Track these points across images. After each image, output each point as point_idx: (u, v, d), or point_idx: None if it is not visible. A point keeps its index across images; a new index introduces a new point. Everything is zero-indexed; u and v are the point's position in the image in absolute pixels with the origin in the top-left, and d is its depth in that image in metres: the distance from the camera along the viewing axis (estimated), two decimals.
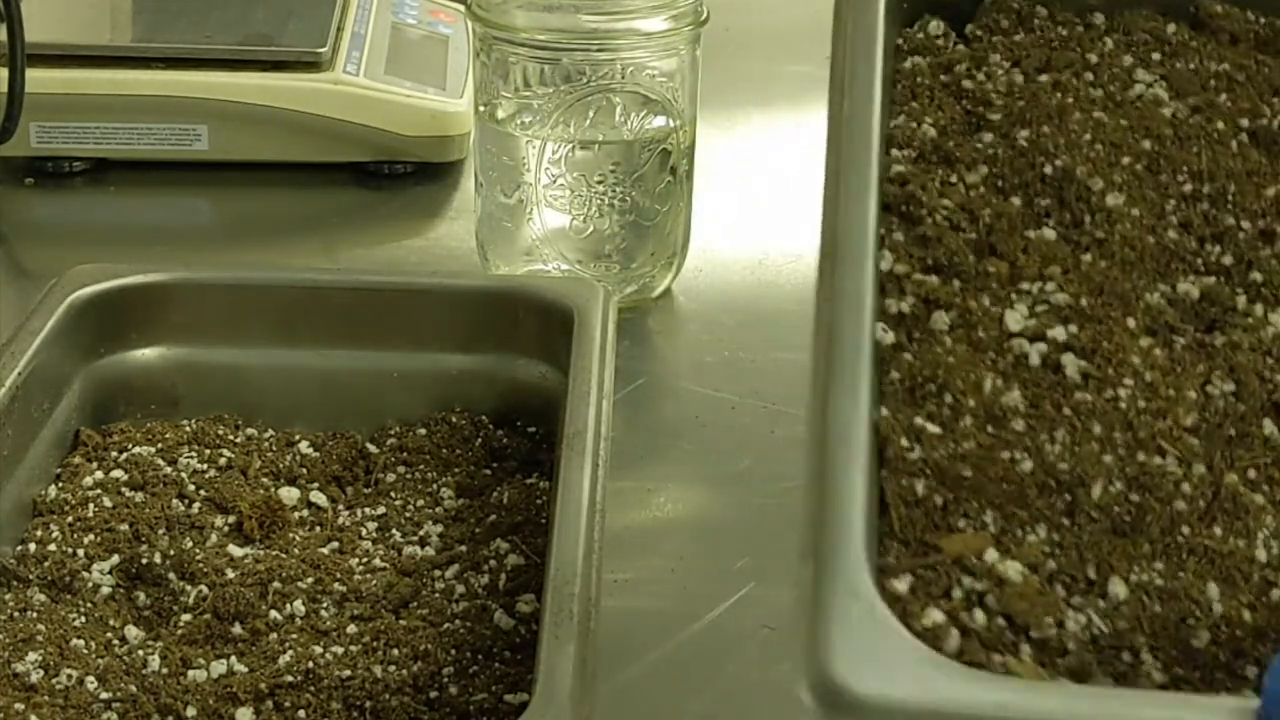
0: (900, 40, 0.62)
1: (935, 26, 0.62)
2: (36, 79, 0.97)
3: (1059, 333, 0.50)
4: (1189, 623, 0.44)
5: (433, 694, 0.57)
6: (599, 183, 0.85)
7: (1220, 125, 0.58)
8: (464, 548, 0.65)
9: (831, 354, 0.47)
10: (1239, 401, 0.49)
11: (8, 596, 0.61)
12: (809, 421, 0.46)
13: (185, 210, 1.03)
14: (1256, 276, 0.53)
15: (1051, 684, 0.42)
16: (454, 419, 0.72)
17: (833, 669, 0.40)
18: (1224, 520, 0.46)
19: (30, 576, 0.62)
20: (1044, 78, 0.60)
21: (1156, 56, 0.61)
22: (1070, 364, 0.49)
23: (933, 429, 0.47)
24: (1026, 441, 0.47)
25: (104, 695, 0.57)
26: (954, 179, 0.55)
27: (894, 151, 0.56)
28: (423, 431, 0.72)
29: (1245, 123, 0.58)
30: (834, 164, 0.53)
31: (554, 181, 0.85)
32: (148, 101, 1.01)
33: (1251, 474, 0.47)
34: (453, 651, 0.58)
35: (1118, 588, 0.44)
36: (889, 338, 0.50)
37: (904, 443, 0.47)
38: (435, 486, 0.69)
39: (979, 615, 0.43)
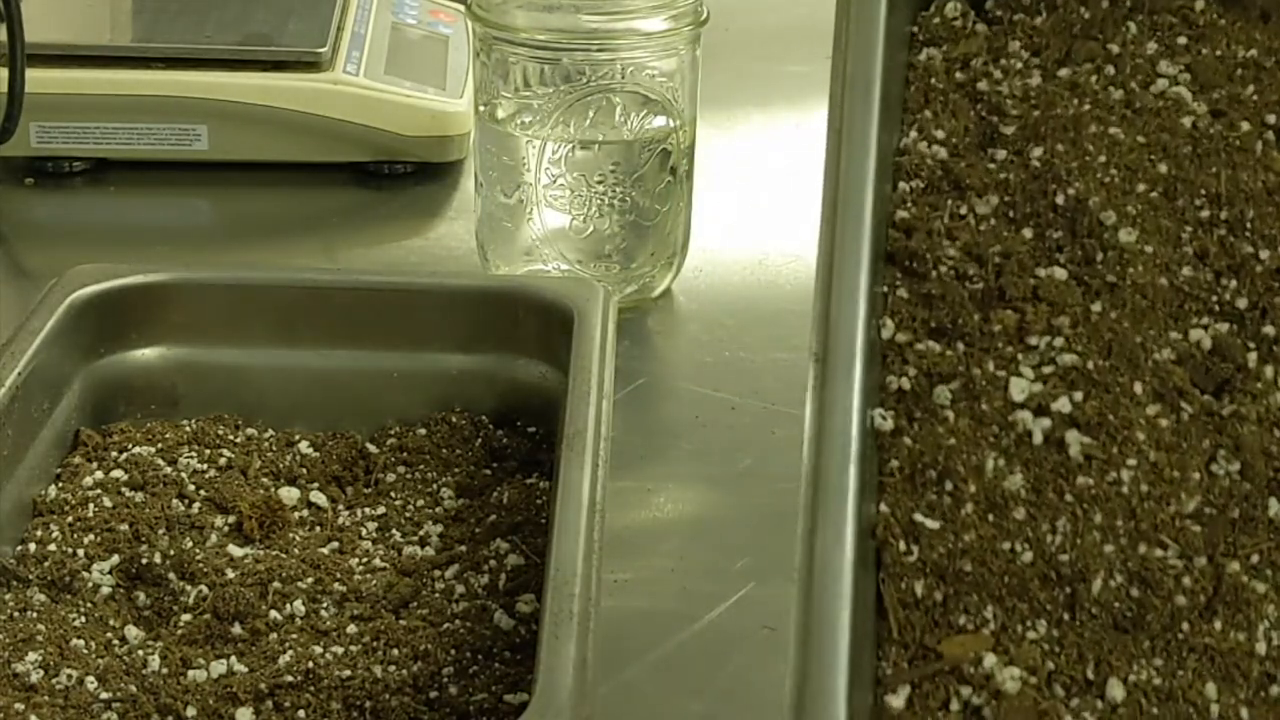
0: (915, 27, 0.60)
1: (953, 8, 0.60)
2: (36, 79, 0.97)
3: (1064, 404, 0.49)
4: None
5: (433, 694, 0.57)
6: (599, 183, 0.85)
7: (1245, 126, 0.56)
8: (464, 548, 0.65)
9: (820, 447, 0.46)
10: (1244, 481, 0.48)
11: (8, 596, 0.61)
12: (800, 520, 0.45)
13: (185, 210, 1.03)
14: (1269, 330, 0.52)
15: None
16: (454, 419, 0.72)
17: None
18: (1225, 613, 0.46)
19: (30, 576, 0.62)
20: (1063, 72, 0.58)
21: (1182, 41, 0.59)
22: (1074, 442, 0.49)
23: (931, 524, 0.47)
24: (1028, 531, 0.47)
25: (104, 695, 0.56)
26: (964, 210, 0.54)
27: (901, 185, 0.55)
28: (423, 431, 0.72)
29: (1272, 119, 0.56)
30: (830, 199, 0.51)
31: (554, 181, 0.85)
32: (148, 101, 1.01)
33: (1254, 560, 0.47)
34: (453, 651, 0.58)
35: (1115, 690, 0.44)
36: (888, 424, 0.49)
37: (902, 546, 0.46)
38: (435, 486, 0.69)
39: None
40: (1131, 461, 0.48)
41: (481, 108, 0.87)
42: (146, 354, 0.73)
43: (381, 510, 0.67)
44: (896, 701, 0.43)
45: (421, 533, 0.66)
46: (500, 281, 0.81)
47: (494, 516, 0.66)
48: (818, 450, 0.46)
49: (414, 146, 1.03)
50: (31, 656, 0.58)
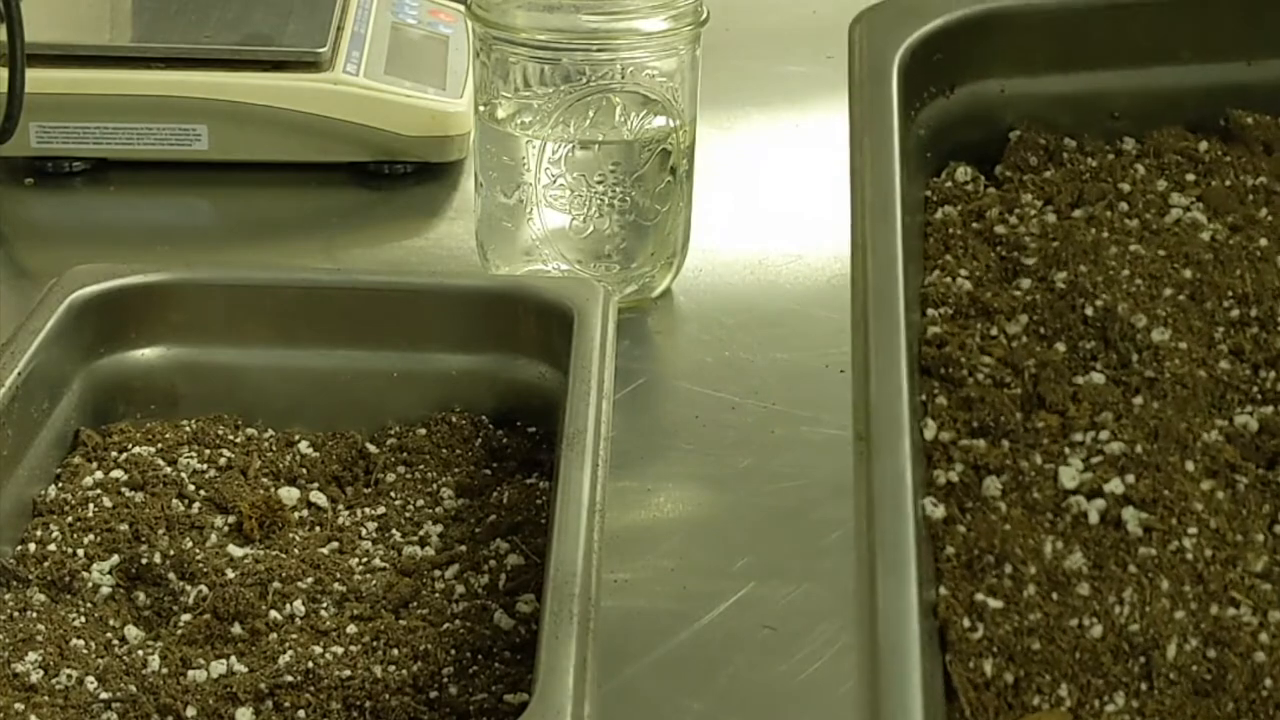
0: (928, 191, 0.61)
1: (963, 173, 0.61)
2: (36, 79, 0.97)
3: (1116, 485, 0.49)
4: None
5: (433, 694, 0.57)
6: (599, 183, 0.85)
7: (1263, 242, 0.56)
8: (464, 548, 0.65)
9: (873, 537, 0.45)
10: None
11: (8, 596, 0.61)
12: (856, 614, 0.44)
13: (185, 210, 1.03)
14: None
15: None
16: (454, 419, 0.72)
17: None
18: None
19: (30, 576, 0.62)
20: (1078, 213, 0.58)
21: (1191, 177, 0.60)
22: (1131, 518, 0.48)
23: (995, 604, 0.46)
24: (1094, 605, 0.46)
25: (104, 695, 0.56)
26: (994, 331, 0.54)
27: (929, 311, 0.55)
28: (423, 431, 0.72)
29: None
30: (861, 331, 0.51)
31: (554, 181, 0.85)
32: (148, 101, 1.01)
33: None
34: (453, 651, 0.58)
35: None
36: (939, 512, 0.48)
37: (966, 623, 0.45)
38: (435, 486, 0.69)
39: None
40: (1192, 530, 0.48)
41: (481, 108, 0.87)
42: (146, 354, 0.73)
43: (381, 510, 0.67)
44: None
45: (421, 533, 0.66)
46: (500, 281, 0.81)
47: (494, 516, 0.66)
48: (871, 529, 0.45)
49: (414, 146, 1.03)
50: (31, 656, 0.58)
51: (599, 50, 0.83)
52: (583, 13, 0.83)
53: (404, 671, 0.57)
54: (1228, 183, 0.59)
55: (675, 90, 0.85)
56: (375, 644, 0.59)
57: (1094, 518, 0.48)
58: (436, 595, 0.62)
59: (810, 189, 1.04)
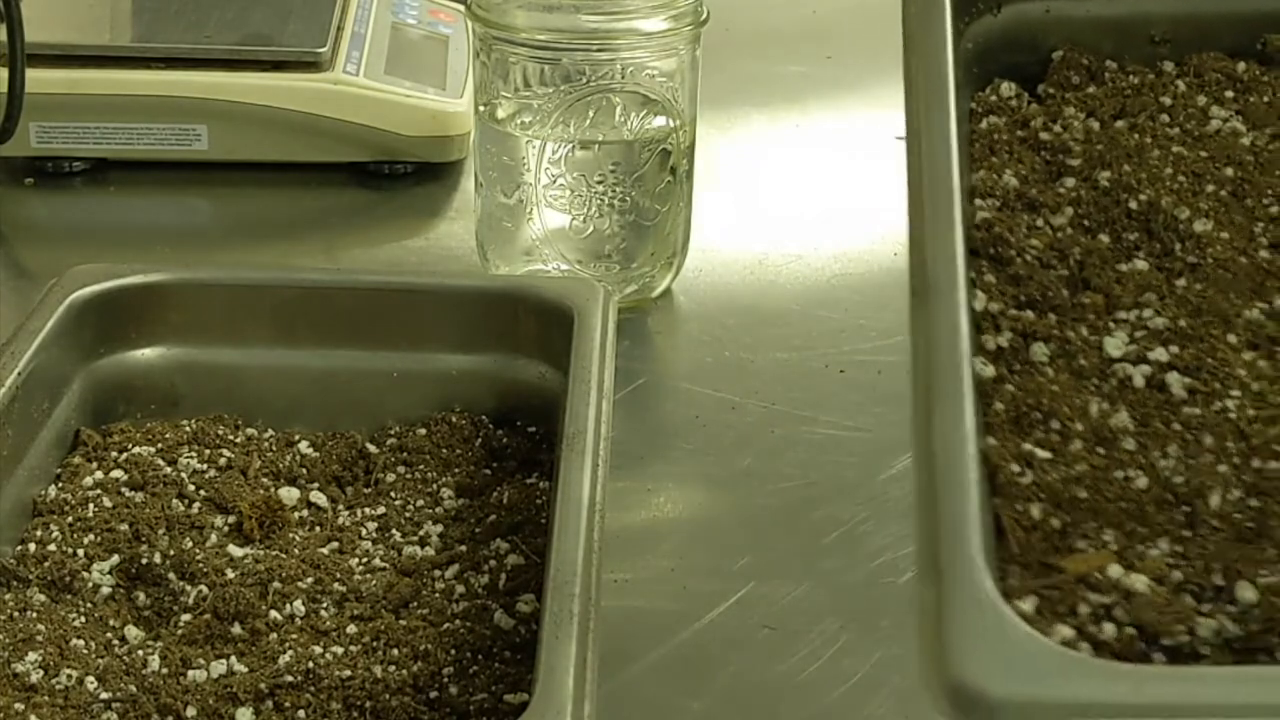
0: (974, 104, 0.62)
1: (1007, 88, 0.63)
2: (36, 79, 0.97)
3: (1160, 354, 0.50)
4: None
5: (433, 694, 0.57)
6: (599, 183, 0.85)
7: None
8: (464, 548, 0.65)
9: (931, 388, 0.46)
10: None
11: (8, 596, 0.61)
12: (914, 457, 0.45)
13: (185, 210, 1.03)
14: None
15: (1206, 669, 0.42)
16: (454, 419, 0.72)
17: (968, 675, 0.39)
18: None
19: (30, 576, 0.62)
20: (1120, 123, 0.60)
21: (1230, 94, 0.61)
22: (1175, 382, 0.49)
23: (1043, 454, 0.47)
24: (1139, 459, 0.47)
25: (104, 695, 0.57)
26: (1040, 223, 0.56)
27: (977, 201, 0.57)
28: (423, 431, 0.72)
29: None
30: (917, 212, 0.52)
31: (554, 181, 0.85)
32: (148, 101, 1.01)
33: None
34: (453, 651, 0.58)
35: (1247, 592, 0.44)
36: (989, 370, 0.50)
37: (1015, 468, 0.46)
38: (435, 486, 0.69)
39: (1108, 628, 0.43)
40: (1235, 392, 0.49)
41: (481, 108, 0.87)
42: (146, 354, 0.73)
43: (381, 510, 0.67)
44: (1025, 607, 0.43)
45: (421, 533, 0.66)
46: (500, 281, 0.81)
47: (494, 516, 0.66)
48: (929, 384, 0.46)
49: (414, 146, 1.03)
50: (31, 656, 0.58)
51: (599, 50, 0.83)
52: (583, 13, 0.83)
53: (404, 671, 0.57)
54: (1265, 99, 0.61)
55: (675, 90, 0.85)
56: (375, 644, 0.59)
57: (1139, 382, 0.49)
58: (436, 595, 0.62)
59: (810, 189, 1.04)
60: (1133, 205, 0.56)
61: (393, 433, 0.72)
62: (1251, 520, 0.45)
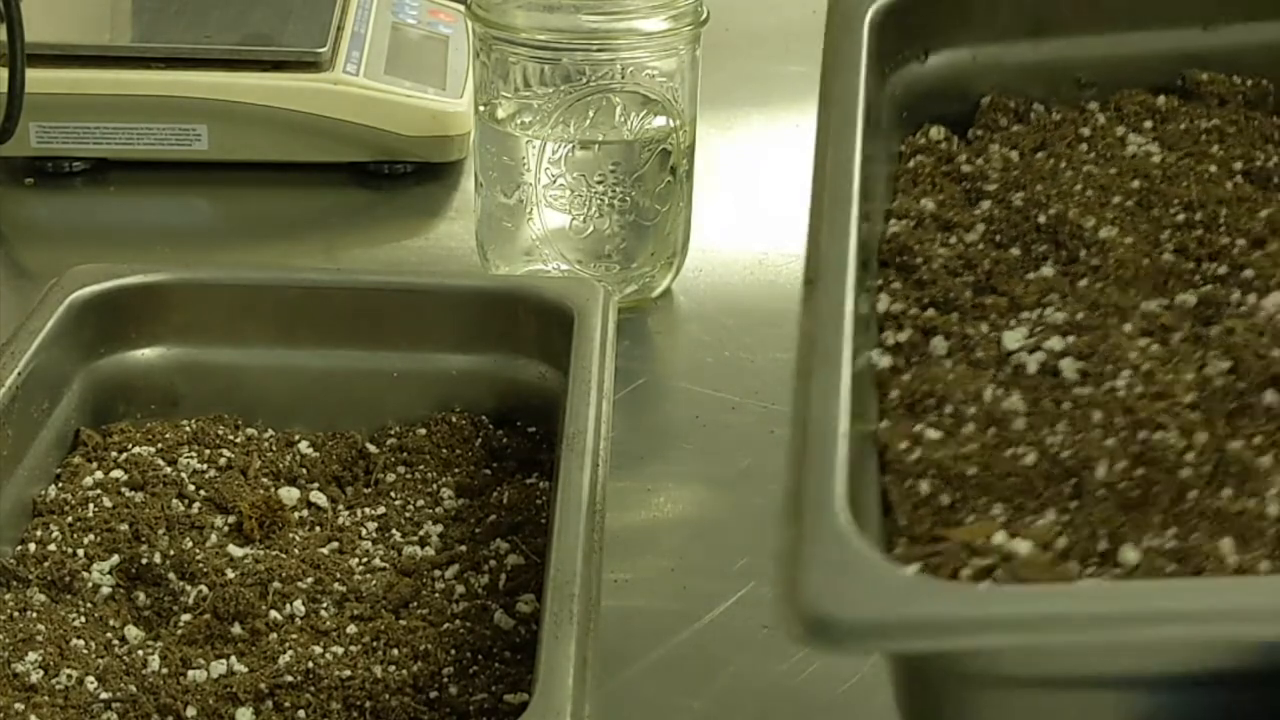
0: (903, 146, 0.63)
1: (937, 132, 0.63)
2: (36, 79, 0.97)
3: (1056, 343, 0.51)
4: (1205, 576, 0.44)
5: (433, 694, 0.57)
6: (599, 183, 0.85)
7: (1213, 168, 0.59)
8: (464, 548, 0.65)
9: (811, 370, 0.47)
10: (1237, 379, 0.49)
11: (8, 596, 0.61)
12: (790, 432, 0.45)
13: (185, 210, 1.03)
14: (1249, 274, 0.53)
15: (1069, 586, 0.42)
16: (454, 419, 0.72)
17: (819, 603, 0.39)
18: (1232, 484, 0.46)
19: (30, 576, 0.62)
20: (1039, 155, 0.61)
21: (1149, 124, 0.62)
22: (1068, 366, 0.50)
23: (933, 434, 0.48)
24: (1029, 437, 0.48)
25: (104, 695, 0.57)
26: (953, 239, 0.56)
27: (891, 221, 0.57)
28: (423, 431, 0.72)
29: (1238, 165, 0.59)
30: (815, 232, 0.53)
31: (554, 181, 0.85)
32: (148, 101, 1.01)
33: (1257, 440, 0.47)
34: (453, 651, 0.58)
35: (1130, 554, 0.44)
36: (885, 361, 0.50)
37: (903, 445, 0.47)
38: (435, 486, 0.69)
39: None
40: (1125, 373, 0.49)
41: (481, 108, 0.87)
42: (146, 354, 0.73)
43: (381, 510, 0.67)
44: (908, 571, 0.43)
45: (421, 533, 0.66)
46: (500, 281, 0.81)
47: (494, 516, 0.66)
48: (808, 374, 0.46)
49: (414, 146, 1.03)
50: (31, 656, 0.58)
51: (599, 50, 0.83)
52: (583, 13, 0.83)
53: (404, 671, 0.57)
54: (1183, 126, 0.62)
55: (675, 90, 0.85)
56: (375, 644, 0.59)
57: (1032, 368, 0.50)
58: (436, 595, 0.62)
59: (810, 189, 1.04)
60: (1041, 220, 0.56)
61: (393, 433, 0.72)
62: (1137, 488, 0.46)
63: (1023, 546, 0.44)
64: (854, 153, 0.55)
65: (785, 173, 1.07)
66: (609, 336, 0.69)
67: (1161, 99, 0.63)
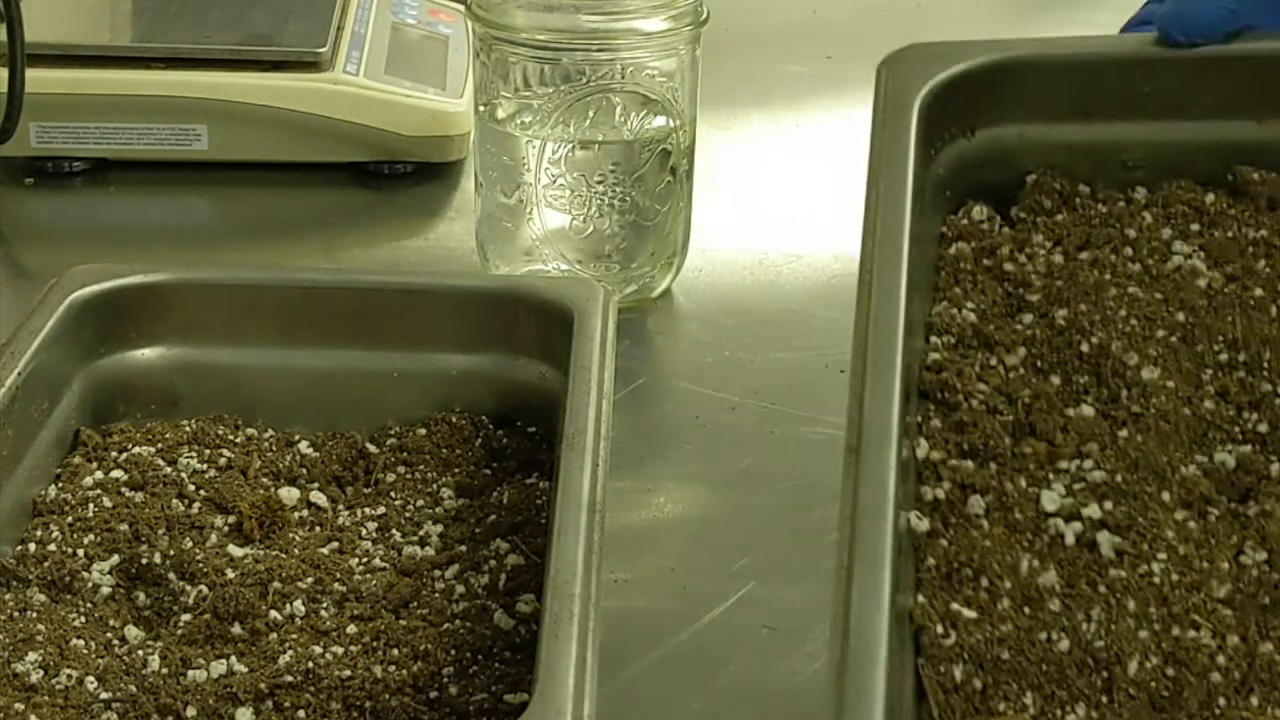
0: (945, 228, 0.63)
1: (979, 211, 0.63)
2: (36, 79, 0.97)
3: (1094, 510, 0.50)
4: None
5: (433, 694, 0.57)
6: (599, 183, 0.85)
7: (1259, 291, 0.58)
8: (464, 548, 0.65)
9: (855, 545, 0.47)
10: (1272, 570, 0.49)
11: (8, 596, 0.61)
12: (832, 621, 0.45)
13: (185, 210, 1.03)
14: None
15: None
16: (454, 419, 0.72)
17: None
18: (1260, 691, 0.46)
19: (30, 576, 0.62)
20: (1084, 255, 0.60)
21: (1195, 227, 0.62)
22: (1105, 541, 0.50)
23: (969, 614, 0.47)
24: (1063, 621, 0.47)
25: (104, 695, 0.56)
26: (993, 361, 0.56)
27: (933, 339, 0.57)
28: (423, 431, 0.72)
29: None
30: (860, 354, 0.53)
31: (554, 181, 0.85)
32: (148, 101, 1.01)
33: None
34: (453, 651, 0.58)
35: None
36: (924, 525, 0.50)
37: (940, 629, 0.47)
38: (435, 486, 0.69)
39: None
40: (1162, 555, 0.49)
41: (481, 108, 0.87)
42: (146, 354, 0.73)
43: (381, 510, 0.67)
44: None
45: (421, 533, 0.66)
46: (500, 281, 0.81)
47: (494, 516, 0.66)
48: (853, 538, 0.46)
49: (414, 146, 1.03)
50: (31, 656, 0.58)
51: (599, 50, 0.83)
52: (583, 13, 0.83)
53: (404, 671, 0.57)
54: (1230, 234, 0.61)
55: (675, 90, 0.85)
56: (375, 644, 0.59)
57: (1070, 539, 0.50)
58: (436, 595, 0.62)
59: (810, 189, 1.04)
60: (1084, 348, 0.56)
61: (393, 433, 0.72)
62: (1166, 689, 0.46)
63: None
64: (901, 254, 0.55)
65: (785, 173, 1.07)
66: (609, 336, 0.69)
67: (1210, 198, 0.62)
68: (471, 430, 0.71)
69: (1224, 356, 0.56)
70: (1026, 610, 0.48)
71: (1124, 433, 0.53)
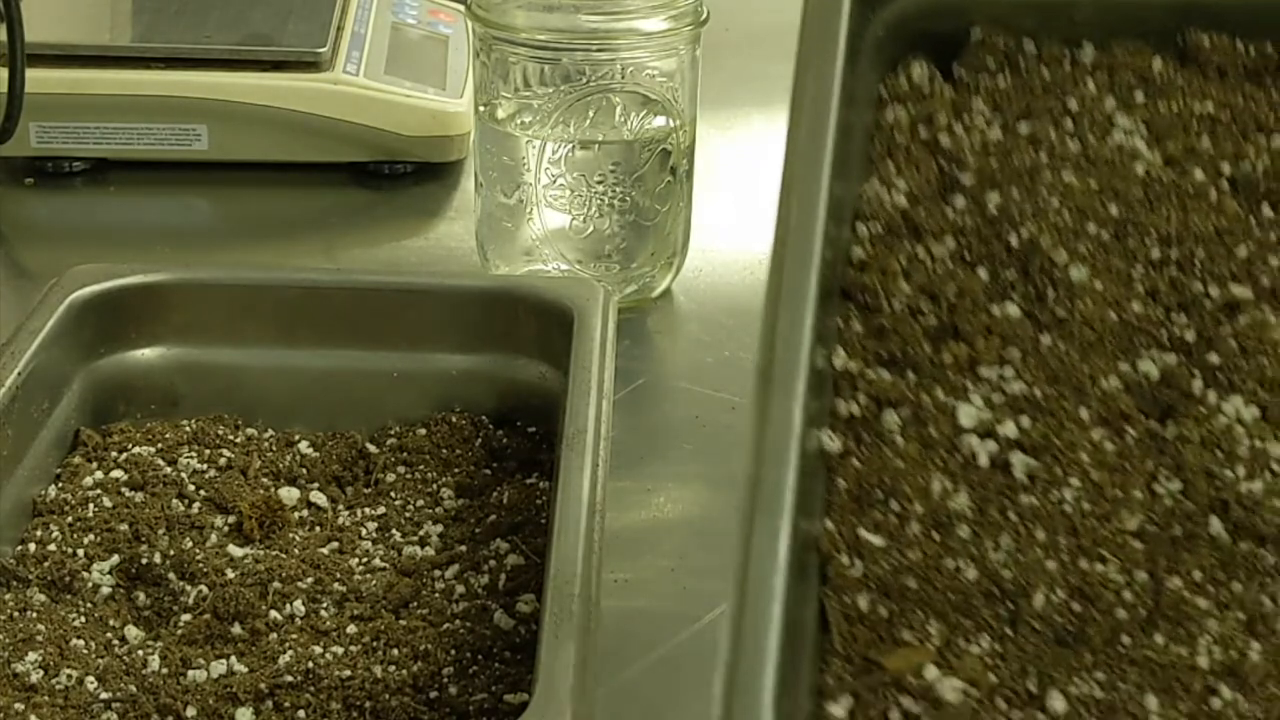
0: (882, 88, 0.61)
1: (919, 70, 0.62)
2: (36, 79, 0.97)
3: (1010, 429, 0.50)
4: None
5: (433, 694, 0.57)
6: (599, 183, 0.85)
7: (1198, 175, 0.57)
8: (464, 548, 0.65)
9: (759, 470, 0.47)
10: (1186, 500, 0.49)
11: (8, 596, 0.61)
12: (738, 534, 0.45)
13: (185, 210, 1.03)
14: (1215, 359, 0.52)
15: None
16: (454, 419, 0.72)
17: None
18: (1166, 627, 0.46)
19: (30, 576, 0.62)
20: (1023, 127, 0.59)
21: (1140, 97, 0.60)
22: (1019, 463, 0.49)
23: (877, 541, 0.47)
24: (972, 549, 0.47)
25: (104, 695, 0.57)
26: (920, 253, 0.55)
27: (859, 228, 0.56)
28: (423, 431, 0.72)
29: (1226, 168, 0.58)
30: (780, 245, 0.52)
31: (554, 181, 0.85)
32: (148, 101, 1.01)
33: (1196, 575, 0.47)
34: (453, 651, 0.58)
35: (1057, 702, 0.44)
36: (835, 445, 0.50)
37: (846, 560, 0.47)
38: (435, 486, 0.69)
39: None
40: (1075, 481, 0.49)
41: (481, 108, 0.87)
42: (146, 354, 0.73)
43: (381, 510, 0.67)
44: (838, 710, 0.44)
45: (421, 533, 0.66)
46: (500, 281, 0.81)
47: (494, 516, 0.66)
48: (757, 464, 0.46)
49: (414, 146, 1.03)
50: (31, 656, 0.58)
51: (599, 50, 0.83)
52: (583, 13, 0.83)
53: (404, 671, 0.57)
54: (1175, 108, 0.60)
55: (675, 90, 0.85)
56: (375, 644, 0.59)
57: (984, 460, 0.50)
58: (436, 595, 0.62)
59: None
60: (1013, 241, 0.55)
61: (393, 433, 0.72)
62: (1071, 623, 0.46)
63: (951, 690, 0.44)
64: (828, 128, 0.54)
65: None
66: (609, 336, 0.69)
67: (1158, 63, 0.61)
68: (471, 430, 0.71)
69: (1156, 254, 0.55)
70: (936, 536, 0.48)
71: (1047, 339, 0.53)
